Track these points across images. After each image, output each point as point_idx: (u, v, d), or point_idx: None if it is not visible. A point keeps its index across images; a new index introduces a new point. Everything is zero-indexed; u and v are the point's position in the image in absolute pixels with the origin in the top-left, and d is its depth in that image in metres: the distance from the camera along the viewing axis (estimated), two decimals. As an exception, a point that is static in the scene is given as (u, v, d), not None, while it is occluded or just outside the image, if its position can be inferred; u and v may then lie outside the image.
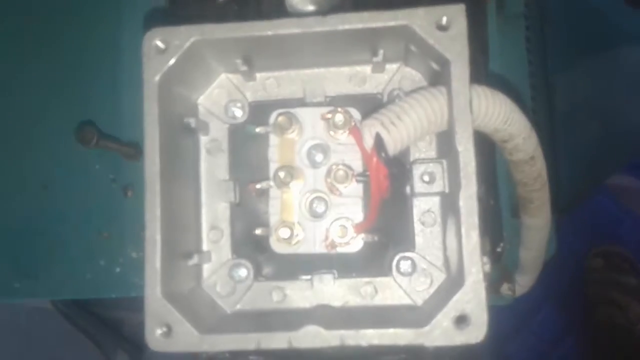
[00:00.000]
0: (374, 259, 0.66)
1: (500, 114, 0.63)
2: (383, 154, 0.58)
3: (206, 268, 0.66)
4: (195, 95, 0.66)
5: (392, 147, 0.59)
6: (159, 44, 0.61)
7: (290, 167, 0.65)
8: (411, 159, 0.68)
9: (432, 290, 0.66)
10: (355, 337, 0.57)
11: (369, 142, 0.60)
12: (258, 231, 0.67)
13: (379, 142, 0.58)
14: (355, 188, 0.65)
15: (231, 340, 0.58)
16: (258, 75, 0.67)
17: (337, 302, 0.64)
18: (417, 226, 0.67)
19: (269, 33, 0.57)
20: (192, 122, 0.66)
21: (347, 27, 0.60)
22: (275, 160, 0.66)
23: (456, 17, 0.54)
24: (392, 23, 0.59)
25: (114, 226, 0.78)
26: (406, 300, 0.66)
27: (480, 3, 0.81)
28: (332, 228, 0.65)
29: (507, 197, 0.75)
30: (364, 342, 0.56)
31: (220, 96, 0.67)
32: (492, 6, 0.82)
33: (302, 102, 0.66)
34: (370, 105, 0.64)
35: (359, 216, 0.66)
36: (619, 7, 1.07)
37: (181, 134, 0.67)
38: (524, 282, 0.91)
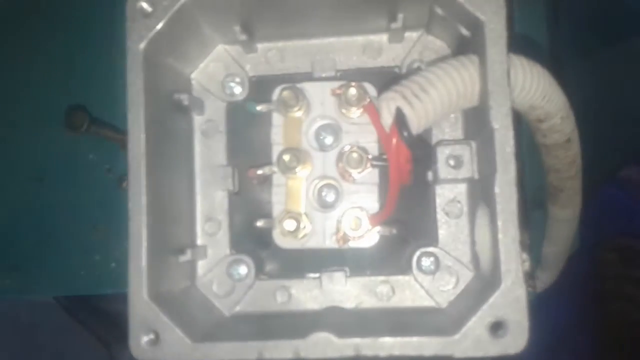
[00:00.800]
0: (392, 255, 0.62)
1: (538, 89, 0.55)
2: (405, 133, 0.50)
3: (201, 265, 0.61)
4: (188, 69, 0.62)
5: (416, 124, 0.51)
6: (145, 5, 0.53)
7: (296, 150, 0.58)
8: (433, 140, 0.60)
9: (458, 291, 0.59)
10: (372, 346, 0.49)
11: (387, 119, 0.52)
12: (260, 223, 0.59)
13: (400, 119, 0.50)
14: (370, 174, 0.59)
15: (229, 349, 0.51)
16: (259, 46, 0.63)
17: (349, 304, 0.60)
18: (441, 217, 0.60)
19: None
20: (184, 99, 0.59)
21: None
22: (279, 143, 0.59)
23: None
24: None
25: (109, 219, 0.74)
26: (428, 302, 0.59)
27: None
28: (344, 220, 0.58)
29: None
30: (382, 353, 0.49)
31: (217, 70, 0.62)
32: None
33: (309, 77, 0.61)
34: (387, 80, 0.58)
35: (374, 206, 0.59)
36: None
37: (172, 112, 0.60)
38: (545, 278, 0.84)
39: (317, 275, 0.60)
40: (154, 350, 0.51)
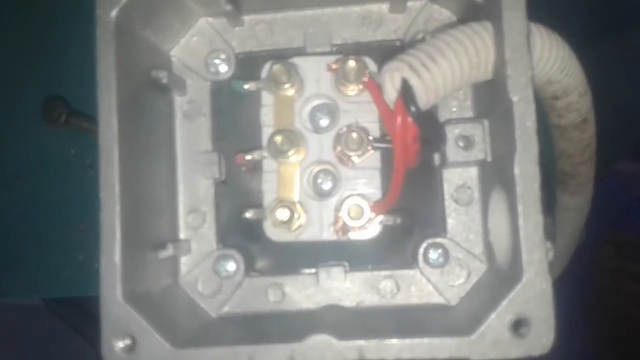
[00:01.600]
0: (395, 247, 0.57)
1: (557, 60, 0.50)
2: (413, 108, 0.44)
3: (184, 261, 0.57)
4: (167, 45, 0.58)
5: (424, 98, 0.45)
6: (115, -32, 0.47)
7: (288, 132, 0.52)
8: (440, 119, 0.55)
9: (469, 286, 0.54)
10: (378, 349, 0.44)
11: (391, 94, 0.46)
12: (249, 214, 0.54)
13: (407, 92, 0.44)
14: (371, 157, 0.53)
15: (215, 355, 0.45)
16: (246, 18, 0.58)
17: (349, 302, 0.55)
18: (449, 204, 0.56)
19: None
20: (163, 76, 0.54)
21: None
22: (270, 124, 0.54)
23: None
24: None
25: (92, 218, 0.71)
26: (437, 299, 0.55)
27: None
28: (343, 208, 0.53)
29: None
30: (389, 357, 0.43)
31: (200, 46, 0.58)
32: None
33: (302, 52, 0.57)
34: (389, 54, 0.52)
35: (376, 193, 0.54)
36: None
37: (149, 92, 0.54)
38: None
39: (313, 270, 0.56)
40: (130, 358, 0.45)
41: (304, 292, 0.55)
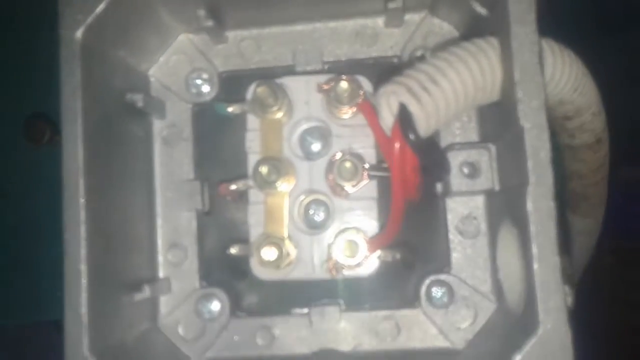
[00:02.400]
0: (395, 283, 0.53)
1: (570, 79, 0.47)
2: (411, 136, 0.40)
3: (164, 302, 0.53)
4: (144, 64, 0.54)
5: (425, 124, 0.41)
6: (80, -19, 0.43)
7: (275, 161, 0.49)
8: (442, 145, 0.51)
9: (477, 328, 0.50)
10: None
11: (388, 119, 0.42)
12: (234, 250, 0.50)
13: (405, 118, 0.40)
14: (367, 187, 0.49)
15: None
16: (230, 34, 0.55)
17: (345, 346, 0.52)
18: (454, 237, 0.52)
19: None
20: (138, 100, 0.50)
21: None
22: (256, 151, 0.50)
23: None
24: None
25: None
26: (441, 342, 0.50)
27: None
28: (337, 244, 0.49)
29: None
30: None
31: (180, 65, 0.55)
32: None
33: (291, 71, 0.54)
34: (385, 72, 0.49)
35: (373, 226, 0.49)
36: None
37: (124, 116, 0.51)
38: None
39: (305, 310, 0.52)
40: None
41: (296, 334, 0.52)
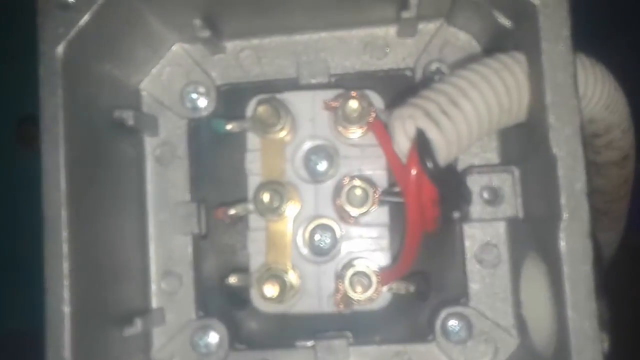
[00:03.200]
0: (408, 315, 0.49)
1: (602, 96, 0.44)
2: (430, 164, 0.36)
3: (158, 334, 0.50)
4: (135, 77, 0.51)
5: (445, 152, 0.37)
6: (62, -7, 0.39)
7: (278, 185, 0.45)
8: (459, 167, 0.48)
9: None
10: None
11: (403, 144, 0.38)
12: (233, 279, 0.47)
13: (423, 146, 0.36)
14: (379, 212, 0.45)
15: None
16: (228, 44, 0.52)
17: None
18: (472, 266, 0.48)
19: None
20: (128, 117, 0.47)
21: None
22: (257, 172, 0.47)
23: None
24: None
25: None
26: None
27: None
28: (346, 278, 0.45)
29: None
30: None
31: (174, 77, 0.52)
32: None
33: (295, 84, 0.50)
34: (397, 87, 0.48)
35: (384, 257, 0.45)
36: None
37: (113, 135, 0.47)
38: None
39: (310, 343, 0.49)
40: None
41: (300, 369, 0.48)
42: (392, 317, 0.49)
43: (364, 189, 0.44)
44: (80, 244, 0.40)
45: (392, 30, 0.49)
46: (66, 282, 0.38)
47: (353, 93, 0.44)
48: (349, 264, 0.45)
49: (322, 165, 0.46)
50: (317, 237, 0.46)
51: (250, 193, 0.46)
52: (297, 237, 0.46)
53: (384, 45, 0.50)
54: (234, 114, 0.48)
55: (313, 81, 0.50)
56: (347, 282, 0.44)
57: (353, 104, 0.43)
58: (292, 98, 0.46)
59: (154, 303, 0.50)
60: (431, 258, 0.48)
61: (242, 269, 0.47)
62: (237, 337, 0.50)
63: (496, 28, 0.43)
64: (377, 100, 0.45)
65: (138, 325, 0.45)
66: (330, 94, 0.46)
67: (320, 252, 0.46)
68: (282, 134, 0.46)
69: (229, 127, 0.46)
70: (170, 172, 0.51)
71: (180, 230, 0.50)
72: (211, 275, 0.51)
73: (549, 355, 0.39)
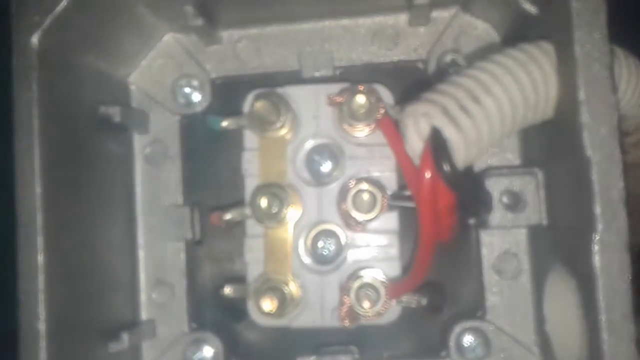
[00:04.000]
0: (418, 329, 0.46)
1: (636, 91, 0.39)
2: (446, 167, 0.32)
3: (148, 348, 0.48)
4: (123, 70, 0.48)
5: (463, 154, 0.33)
6: (36, -25, 0.35)
7: (277, 188, 0.42)
8: (476, 168, 0.45)
9: None
10: None
11: (416, 144, 0.34)
12: (228, 290, 0.44)
13: (439, 146, 0.32)
14: (387, 218, 0.42)
15: None
16: (224, 34, 0.49)
17: None
18: (490, 277, 0.45)
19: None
20: (115, 113, 0.44)
21: None
22: (254, 174, 0.44)
23: None
24: None
25: None
26: None
27: None
28: (352, 287, 0.41)
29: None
30: None
31: (166, 70, 0.49)
32: None
33: (296, 77, 0.48)
34: (409, 80, 0.45)
35: (394, 266, 0.42)
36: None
37: (97, 133, 0.44)
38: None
39: (312, 358, 0.46)
40: None
41: (302, 387, 0.45)
42: (401, 332, 0.46)
43: (371, 193, 0.41)
44: (59, 252, 0.37)
45: (402, 18, 0.47)
46: (42, 297, 0.35)
47: (360, 87, 0.41)
48: (354, 275, 0.41)
49: (325, 167, 0.43)
50: (320, 244, 0.43)
51: (247, 197, 0.42)
52: (298, 245, 0.43)
53: (393, 35, 0.47)
54: (230, 109, 0.46)
55: (316, 74, 0.47)
56: (353, 295, 0.40)
57: (360, 99, 0.40)
58: (293, 92, 0.44)
59: (144, 315, 0.47)
60: (445, 267, 0.45)
61: (239, 279, 0.44)
62: (233, 352, 0.47)
63: (518, 15, 0.39)
64: (387, 95, 0.43)
65: (125, 340, 0.42)
66: (335, 88, 0.43)
67: (323, 261, 0.43)
68: (283, 131, 0.43)
69: (224, 124, 0.44)
70: (162, 172, 0.49)
71: (172, 236, 0.48)
72: (205, 284, 0.48)
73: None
